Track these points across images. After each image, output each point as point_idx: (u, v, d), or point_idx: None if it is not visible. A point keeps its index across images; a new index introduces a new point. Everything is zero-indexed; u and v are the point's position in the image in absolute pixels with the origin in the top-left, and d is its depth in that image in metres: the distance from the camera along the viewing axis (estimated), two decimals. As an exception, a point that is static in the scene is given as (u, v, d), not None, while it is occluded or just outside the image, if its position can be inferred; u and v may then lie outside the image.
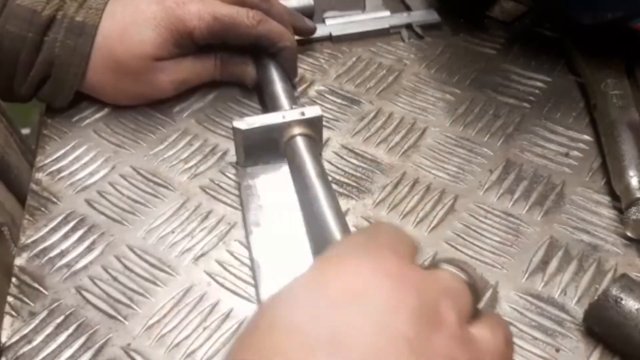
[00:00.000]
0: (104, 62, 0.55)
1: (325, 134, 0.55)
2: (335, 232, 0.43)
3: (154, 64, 0.56)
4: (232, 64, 0.60)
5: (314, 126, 0.51)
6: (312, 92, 0.62)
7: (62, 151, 0.55)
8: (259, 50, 0.59)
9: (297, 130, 0.50)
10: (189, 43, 0.56)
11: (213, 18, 0.54)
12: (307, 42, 0.66)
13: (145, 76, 0.56)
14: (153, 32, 0.54)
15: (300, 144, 0.49)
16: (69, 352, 0.42)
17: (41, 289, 0.45)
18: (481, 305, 0.39)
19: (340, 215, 0.45)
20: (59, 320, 0.43)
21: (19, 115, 0.93)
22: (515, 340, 0.42)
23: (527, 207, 0.50)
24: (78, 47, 0.54)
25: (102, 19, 0.54)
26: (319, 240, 0.45)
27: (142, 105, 0.59)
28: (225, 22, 0.55)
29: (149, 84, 0.57)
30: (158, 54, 0.55)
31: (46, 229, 0.49)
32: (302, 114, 0.50)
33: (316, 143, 0.51)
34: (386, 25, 0.69)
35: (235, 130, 0.50)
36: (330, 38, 0.68)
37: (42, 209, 0.51)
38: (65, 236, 0.49)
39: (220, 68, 0.60)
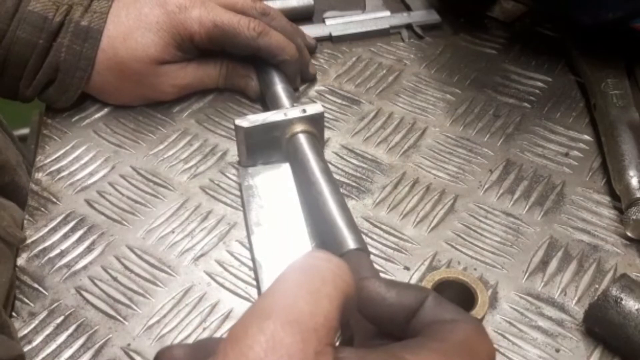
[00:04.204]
0: (108, 65, 0.55)
1: (325, 134, 0.55)
2: (342, 226, 0.43)
3: (157, 69, 0.56)
4: (236, 76, 0.60)
5: (315, 123, 0.51)
6: (312, 92, 0.62)
7: (62, 151, 0.55)
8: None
9: (299, 127, 0.50)
10: (191, 47, 0.56)
11: (213, 25, 0.55)
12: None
13: (147, 80, 0.57)
14: (155, 36, 0.54)
15: (303, 140, 0.50)
16: (68, 353, 0.41)
17: (41, 289, 0.45)
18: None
19: (346, 210, 0.45)
20: (58, 320, 0.43)
21: (19, 115, 0.93)
22: (515, 340, 0.42)
23: (527, 207, 0.50)
24: (84, 51, 0.54)
25: (106, 22, 0.55)
26: (324, 235, 0.45)
27: (142, 106, 0.59)
28: (225, 29, 0.55)
29: (151, 88, 0.57)
30: (161, 57, 0.55)
31: (46, 229, 0.49)
32: (304, 111, 0.50)
33: (318, 140, 0.51)
34: (386, 26, 0.69)
35: (238, 128, 0.50)
36: (330, 38, 0.68)
37: (42, 209, 0.51)
38: (65, 236, 0.49)
39: (224, 78, 0.60)
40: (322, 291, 0.25)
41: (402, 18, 0.70)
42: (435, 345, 0.26)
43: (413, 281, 0.45)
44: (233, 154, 0.55)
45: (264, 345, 0.23)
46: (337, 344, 0.40)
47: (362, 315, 0.30)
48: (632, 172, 0.49)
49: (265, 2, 0.61)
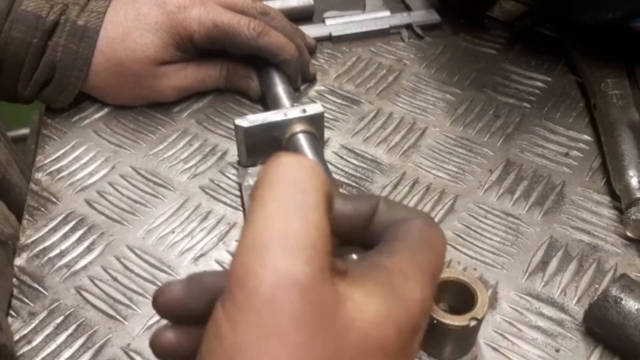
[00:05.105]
0: (107, 66, 0.55)
1: (325, 134, 0.55)
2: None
3: (156, 70, 0.56)
4: (237, 77, 0.60)
5: (315, 123, 0.51)
6: (312, 92, 0.62)
7: (62, 151, 0.55)
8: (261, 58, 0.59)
9: (298, 127, 0.50)
10: (190, 47, 0.56)
11: (213, 24, 0.55)
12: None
13: (147, 81, 0.56)
14: (154, 36, 0.54)
15: (303, 141, 0.50)
16: (68, 353, 0.41)
17: (41, 289, 0.45)
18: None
19: None
20: (58, 320, 0.43)
21: (19, 115, 0.93)
22: (515, 340, 0.42)
23: (527, 207, 0.50)
24: (80, 51, 0.54)
25: (104, 22, 0.55)
26: None
27: (142, 106, 0.59)
28: (224, 29, 0.55)
29: (151, 89, 0.57)
30: (160, 57, 0.55)
31: (46, 229, 0.49)
32: (304, 111, 0.50)
33: (318, 140, 0.51)
34: (386, 25, 0.69)
35: (237, 127, 0.50)
36: (330, 38, 0.68)
37: (42, 209, 0.51)
38: (65, 236, 0.49)
39: (225, 79, 0.60)
40: (306, 203, 0.24)
41: (402, 18, 0.70)
42: (400, 245, 0.28)
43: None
44: (233, 154, 0.55)
45: (269, 281, 0.22)
46: None
47: None
48: (632, 172, 0.49)
49: (265, 2, 0.61)
